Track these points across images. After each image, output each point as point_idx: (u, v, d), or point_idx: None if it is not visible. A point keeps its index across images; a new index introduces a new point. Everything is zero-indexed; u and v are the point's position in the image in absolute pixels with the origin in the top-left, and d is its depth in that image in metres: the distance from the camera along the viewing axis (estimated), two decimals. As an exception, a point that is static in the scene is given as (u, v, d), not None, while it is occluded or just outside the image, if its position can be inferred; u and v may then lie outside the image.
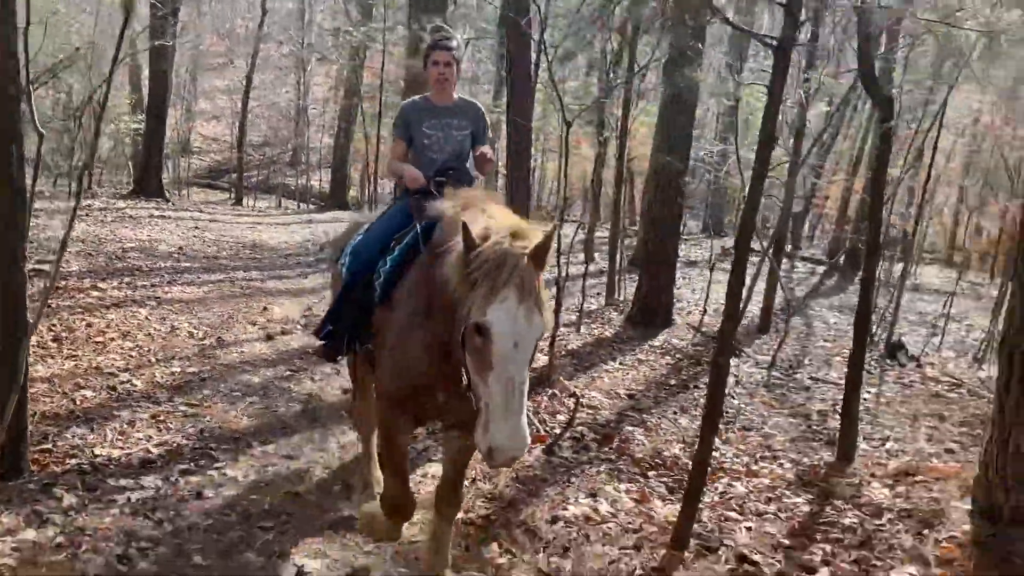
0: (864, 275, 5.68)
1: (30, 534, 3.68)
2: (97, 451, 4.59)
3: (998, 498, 4.39)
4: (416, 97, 4.20)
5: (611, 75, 10.92)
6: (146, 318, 7.34)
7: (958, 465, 5.48)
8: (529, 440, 2.62)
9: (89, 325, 6.81)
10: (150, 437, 4.89)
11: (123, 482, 4.27)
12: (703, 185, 18.80)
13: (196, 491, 4.30)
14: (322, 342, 3.88)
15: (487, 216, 2.96)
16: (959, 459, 5.72)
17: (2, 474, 4.06)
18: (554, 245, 2.73)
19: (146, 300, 7.91)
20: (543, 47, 6.94)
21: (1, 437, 3.87)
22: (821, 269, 16.62)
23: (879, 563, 4.14)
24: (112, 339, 6.59)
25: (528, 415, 2.71)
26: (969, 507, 4.59)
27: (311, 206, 24.28)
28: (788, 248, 18.81)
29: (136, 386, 5.69)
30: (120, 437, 4.83)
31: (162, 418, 5.20)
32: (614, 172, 12.28)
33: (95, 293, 7.84)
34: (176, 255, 10.93)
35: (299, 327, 7.80)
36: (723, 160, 10.16)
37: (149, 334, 6.92)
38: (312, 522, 4.15)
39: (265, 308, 8.35)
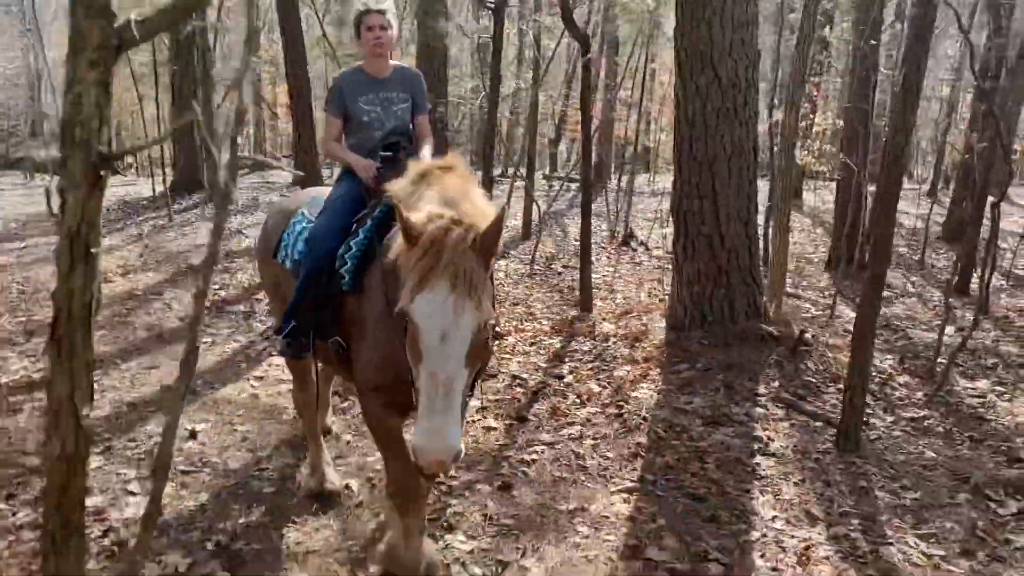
0: (583, 178, 7.54)
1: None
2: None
3: (679, 313, 6.40)
4: (350, 68, 3.93)
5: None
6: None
7: (661, 303, 7.56)
8: (456, 445, 2.40)
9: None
10: (26, 367, 5.76)
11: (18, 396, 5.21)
12: (467, 120, 20.37)
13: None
14: (285, 339, 3.54)
15: (435, 195, 2.77)
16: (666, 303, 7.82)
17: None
18: (503, 230, 2.58)
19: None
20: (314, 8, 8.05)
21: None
22: (576, 185, 18.93)
23: (606, 367, 6.00)
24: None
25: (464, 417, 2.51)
26: (663, 324, 6.60)
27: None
28: (547, 170, 21.01)
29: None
30: (-3, 371, 5.67)
31: (31, 354, 6.04)
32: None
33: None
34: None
35: (119, 275, 8.57)
36: (476, 95, 11.76)
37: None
38: (192, 403, 5.31)
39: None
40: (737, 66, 6.03)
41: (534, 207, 11.60)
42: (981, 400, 5.79)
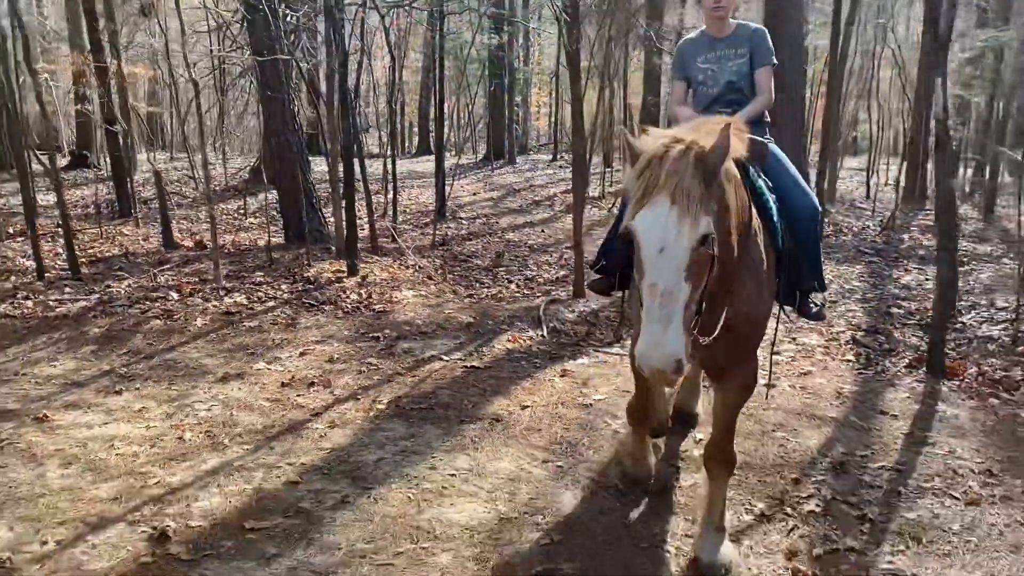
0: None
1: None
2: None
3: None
4: (693, 33, 4.08)
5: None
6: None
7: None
8: (675, 353, 2.41)
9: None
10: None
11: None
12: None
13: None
14: (597, 275, 3.90)
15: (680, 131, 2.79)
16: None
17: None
18: (728, 149, 2.58)
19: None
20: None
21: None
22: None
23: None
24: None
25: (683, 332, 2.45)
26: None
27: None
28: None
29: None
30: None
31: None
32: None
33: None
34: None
35: (483, 192, 16.97)
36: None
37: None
38: (541, 227, 13.20)
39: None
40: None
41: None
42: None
